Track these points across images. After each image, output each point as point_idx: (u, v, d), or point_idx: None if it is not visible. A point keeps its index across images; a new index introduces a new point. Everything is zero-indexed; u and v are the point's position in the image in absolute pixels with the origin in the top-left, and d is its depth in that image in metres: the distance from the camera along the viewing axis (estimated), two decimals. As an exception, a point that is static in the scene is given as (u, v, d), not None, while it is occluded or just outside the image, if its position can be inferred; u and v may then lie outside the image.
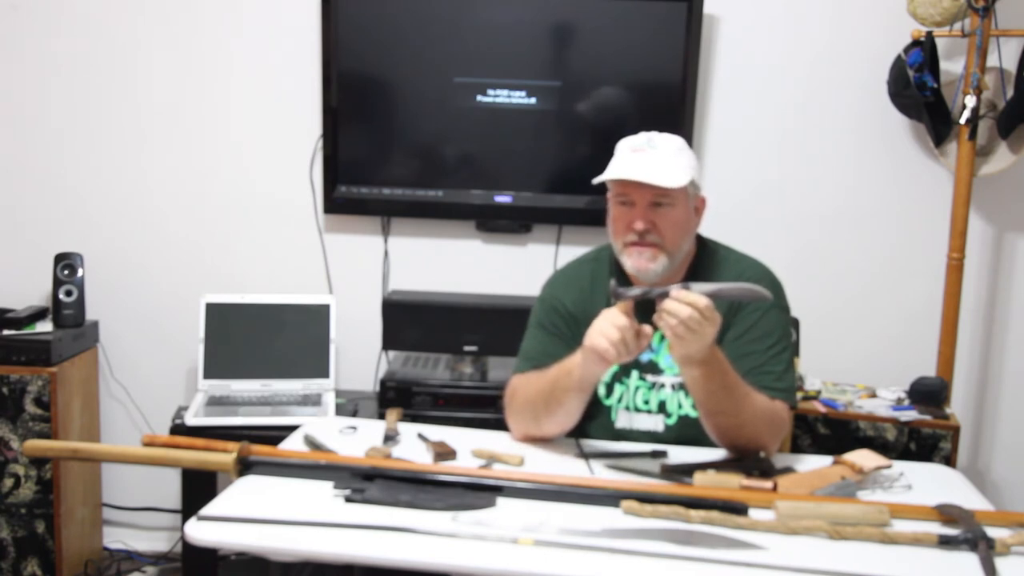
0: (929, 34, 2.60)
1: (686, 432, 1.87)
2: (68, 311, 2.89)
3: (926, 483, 1.74)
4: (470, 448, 1.82)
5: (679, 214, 1.81)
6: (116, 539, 3.15)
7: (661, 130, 1.88)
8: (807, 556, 1.39)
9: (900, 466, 1.79)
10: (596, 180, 1.80)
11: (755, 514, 1.53)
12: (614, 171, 1.79)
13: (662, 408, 1.90)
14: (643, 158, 1.79)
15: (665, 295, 1.61)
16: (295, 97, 2.97)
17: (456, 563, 1.38)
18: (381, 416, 2.31)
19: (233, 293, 2.87)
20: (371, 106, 2.92)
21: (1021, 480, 2.96)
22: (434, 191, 2.93)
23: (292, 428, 2.00)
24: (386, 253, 3.04)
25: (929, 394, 2.56)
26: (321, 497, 1.56)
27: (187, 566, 2.68)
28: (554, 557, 1.39)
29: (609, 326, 1.65)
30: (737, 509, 1.52)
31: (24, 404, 2.73)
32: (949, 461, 2.43)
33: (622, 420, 1.92)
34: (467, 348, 2.73)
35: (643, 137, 1.83)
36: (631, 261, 1.83)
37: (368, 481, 1.59)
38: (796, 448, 2.51)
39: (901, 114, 2.75)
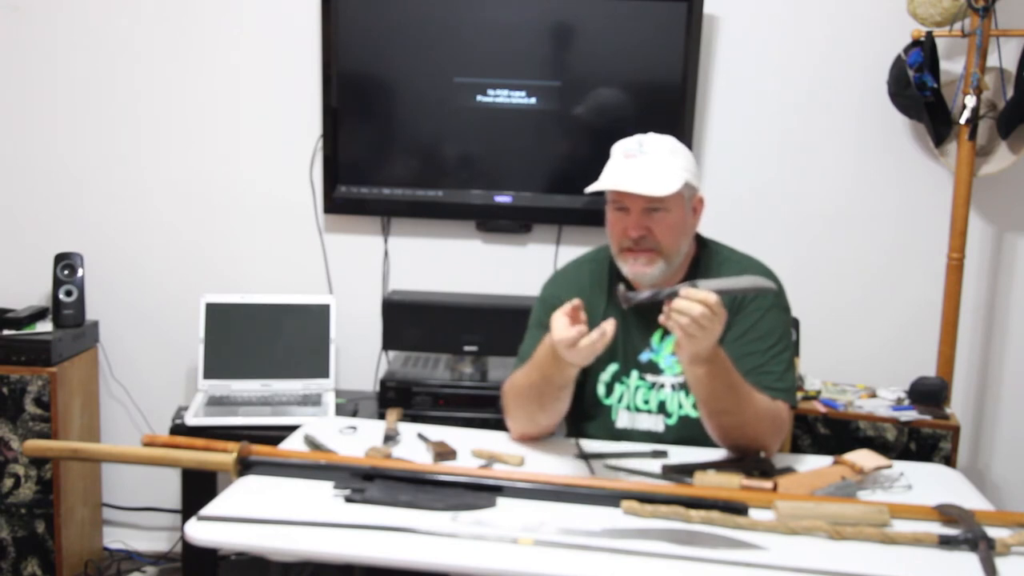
0: (929, 34, 2.60)
1: (686, 432, 1.87)
2: (68, 311, 2.89)
3: (926, 483, 1.74)
4: (470, 448, 1.82)
5: (674, 218, 1.81)
6: (116, 539, 3.15)
7: (661, 130, 1.87)
8: (807, 556, 1.39)
9: (900, 466, 1.79)
10: (588, 190, 1.80)
11: (755, 514, 1.53)
12: (606, 180, 1.79)
13: (662, 408, 1.90)
14: (635, 164, 1.78)
15: (674, 295, 1.61)
16: (295, 97, 2.97)
17: (456, 563, 1.39)
18: (381, 416, 2.32)
19: (233, 293, 2.88)
20: (371, 106, 2.92)
21: (1021, 480, 2.96)
22: (434, 191, 2.93)
23: (292, 428, 2.00)
24: (386, 253, 3.04)
25: (929, 394, 2.56)
26: (321, 497, 1.56)
27: (187, 566, 2.68)
28: (554, 557, 1.39)
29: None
30: (737, 509, 1.52)
31: (24, 404, 2.73)
32: (949, 461, 2.43)
33: (622, 420, 1.93)
34: (467, 348, 2.73)
35: (635, 141, 1.82)
36: (628, 267, 1.83)
37: (368, 481, 1.59)
38: (796, 448, 2.51)
39: (901, 114, 2.75)
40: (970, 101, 2.55)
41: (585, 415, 1.96)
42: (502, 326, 2.61)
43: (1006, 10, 2.57)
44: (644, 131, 1.86)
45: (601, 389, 1.94)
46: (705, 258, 1.93)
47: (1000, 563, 1.39)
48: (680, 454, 1.81)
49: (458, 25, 2.85)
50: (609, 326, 1.63)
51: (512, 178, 2.92)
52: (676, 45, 2.79)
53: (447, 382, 2.70)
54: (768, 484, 1.61)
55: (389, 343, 2.79)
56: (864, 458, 1.70)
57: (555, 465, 1.77)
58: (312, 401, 2.74)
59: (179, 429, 2.57)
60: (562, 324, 1.65)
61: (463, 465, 1.75)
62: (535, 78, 2.85)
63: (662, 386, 1.90)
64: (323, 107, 2.92)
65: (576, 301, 1.66)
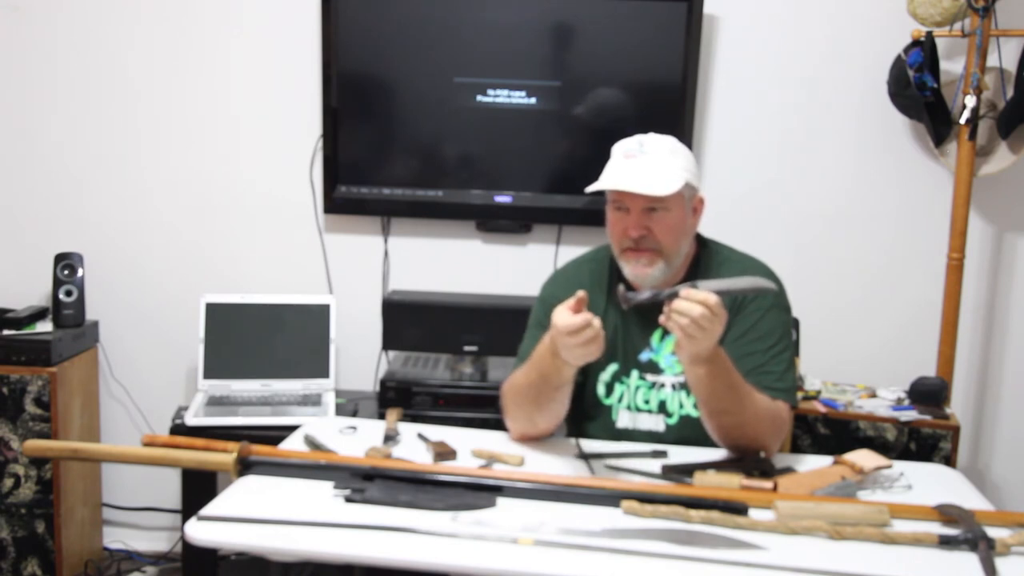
0: (929, 34, 2.60)
1: (687, 432, 1.87)
2: (68, 311, 2.89)
3: (926, 483, 1.74)
4: (470, 448, 1.82)
5: (674, 218, 1.81)
6: (116, 539, 3.15)
7: (661, 130, 1.88)
8: (807, 556, 1.39)
9: (900, 466, 1.79)
10: (588, 189, 1.80)
11: (755, 514, 1.53)
12: (606, 180, 1.79)
13: (663, 408, 1.90)
14: (635, 164, 1.78)
15: (675, 295, 1.61)
16: (295, 97, 2.97)
17: (456, 563, 1.39)
18: (381, 416, 2.32)
19: (233, 293, 2.88)
20: (371, 106, 2.92)
21: (1021, 480, 2.96)
22: (434, 191, 2.93)
23: (292, 428, 2.00)
24: (386, 253, 3.04)
25: (929, 394, 2.56)
26: (321, 497, 1.56)
27: (187, 566, 2.68)
28: (554, 557, 1.39)
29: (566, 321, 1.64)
30: (737, 509, 1.52)
31: (24, 404, 2.73)
32: (949, 461, 2.43)
33: (623, 420, 1.93)
34: (467, 348, 2.73)
35: (635, 141, 1.83)
36: (629, 268, 1.83)
37: (368, 481, 1.59)
38: (796, 448, 2.51)
39: (901, 114, 2.75)
40: (970, 101, 2.55)
41: (585, 415, 1.96)
42: (502, 326, 2.61)
43: (1006, 10, 2.57)
44: (644, 131, 1.86)
45: (601, 389, 1.94)
46: (705, 258, 1.93)
47: (1000, 563, 1.39)
48: (680, 454, 1.81)
49: (458, 25, 2.85)
50: (598, 321, 1.64)
51: (512, 178, 2.92)
52: (676, 45, 2.79)
53: (447, 382, 2.70)
54: (768, 484, 1.61)
55: (389, 343, 2.79)
56: (864, 458, 1.70)
57: (555, 465, 1.77)
58: (312, 401, 2.74)
59: (179, 429, 2.57)
60: (566, 314, 1.64)
61: (463, 465, 1.75)
62: (535, 78, 2.85)
63: (662, 386, 1.90)
64: (323, 107, 2.92)
65: (581, 293, 1.65)
